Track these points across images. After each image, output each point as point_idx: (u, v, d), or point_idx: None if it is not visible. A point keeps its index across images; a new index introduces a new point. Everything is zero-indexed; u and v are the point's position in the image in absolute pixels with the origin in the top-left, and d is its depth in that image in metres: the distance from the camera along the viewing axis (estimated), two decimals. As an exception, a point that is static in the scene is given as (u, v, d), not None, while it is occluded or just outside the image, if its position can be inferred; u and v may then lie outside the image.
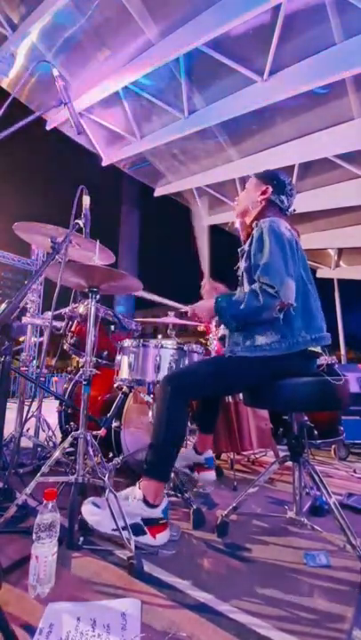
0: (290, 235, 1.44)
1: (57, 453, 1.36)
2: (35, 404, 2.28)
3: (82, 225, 1.49)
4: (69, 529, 1.22)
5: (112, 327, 2.60)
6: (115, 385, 1.96)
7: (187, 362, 1.80)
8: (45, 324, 2.46)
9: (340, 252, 7.84)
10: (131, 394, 2.05)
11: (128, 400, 2.05)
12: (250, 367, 1.41)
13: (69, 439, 1.38)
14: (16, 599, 0.97)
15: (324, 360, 1.51)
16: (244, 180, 5.74)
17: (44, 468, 1.31)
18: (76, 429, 1.39)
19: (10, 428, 1.96)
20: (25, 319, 2.44)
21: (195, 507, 1.53)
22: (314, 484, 1.42)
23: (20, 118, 1.21)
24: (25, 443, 2.17)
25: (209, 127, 4.97)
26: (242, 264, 1.56)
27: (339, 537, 1.25)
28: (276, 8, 3.50)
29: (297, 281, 1.39)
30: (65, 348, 2.39)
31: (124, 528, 1.18)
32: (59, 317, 2.49)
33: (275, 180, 1.61)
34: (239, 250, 1.63)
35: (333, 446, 2.96)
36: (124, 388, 1.98)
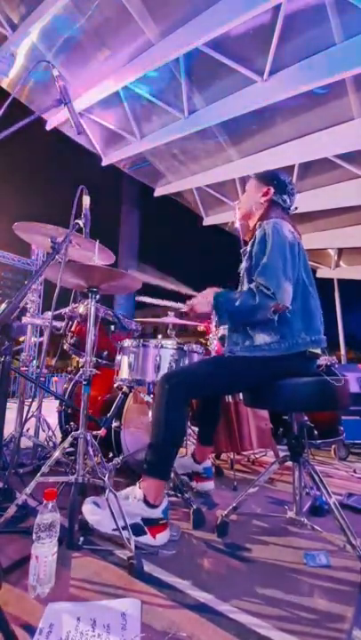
0: (292, 237, 1.44)
1: (57, 453, 1.36)
2: (35, 404, 2.28)
3: (82, 225, 1.49)
4: (69, 529, 1.22)
5: (112, 327, 2.60)
6: (115, 385, 1.96)
7: (187, 362, 1.81)
8: (45, 323, 2.46)
9: (340, 251, 7.83)
10: (131, 394, 2.05)
11: (128, 400, 2.05)
12: (249, 367, 1.42)
13: (69, 439, 1.38)
14: (16, 599, 0.97)
15: (324, 360, 1.51)
16: (244, 180, 5.75)
17: (44, 468, 1.31)
18: (76, 429, 1.39)
19: (10, 428, 1.96)
20: (25, 319, 2.44)
21: (195, 507, 1.53)
22: (314, 483, 1.42)
23: (20, 118, 1.21)
24: (25, 443, 2.17)
25: (209, 127, 4.97)
26: (244, 265, 1.56)
27: (339, 537, 1.25)
28: (276, 8, 3.50)
29: (297, 283, 1.40)
30: (65, 348, 2.39)
31: (124, 528, 1.18)
32: (59, 317, 2.49)
33: (275, 181, 1.61)
34: (241, 250, 1.64)
35: (333, 446, 2.96)
36: (124, 388, 1.98)
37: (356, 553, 1.17)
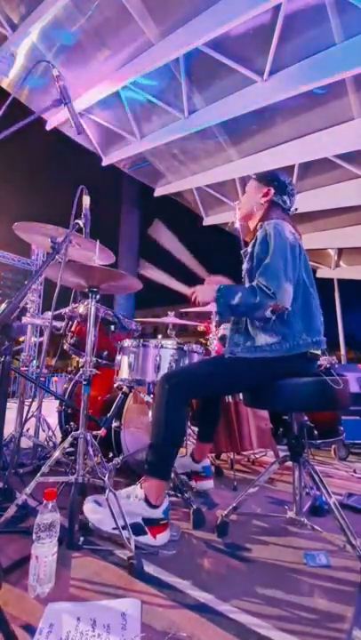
0: (293, 239, 1.44)
1: (57, 453, 1.36)
2: (35, 404, 2.28)
3: (82, 225, 1.49)
4: (69, 529, 1.22)
5: (112, 327, 2.60)
6: (115, 385, 1.97)
7: (187, 362, 1.81)
8: (45, 323, 2.46)
9: (340, 251, 7.83)
10: (131, 394, 2.05)
11: (128, 400, 2.05)
12: (250, 368, 1.42)
13: (69, 439, 1.38)
14: (16, 599, 0.97)
15: (324, 361, 1.51)
16: (244, 180, 5.74)
17: (44, 468, 1.31)
18: (76, 429, 1.39)
19: (10, 428, 1.96)
20: (25, 319, 2.44)
21: (195, 507, 1.53)
22: (314, 483, 1.42)
23: (20, 118, 1.21)
24: (25, 443, 2.17)
25: (209, 127, 4.97)
26: (245, 266, 1.56)
27: (339, 537, 1.25)
28: (276, 8, 3.49)
29: (298, 284, 1.40)
30: (65, 348, 2.40)
31: (124, 527, 1.18)
32: (59, 317, 2.49)
33: (275, 182, 1.61)
34: (242, 252, 1.64)
35: (333, 446, 2.96)
36: (124, 388, 1.98)
37: (357, 553, 1.17)
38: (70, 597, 0.99)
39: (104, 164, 6.20)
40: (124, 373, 1.85)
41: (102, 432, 1.91)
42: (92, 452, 1.35)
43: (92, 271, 1.48)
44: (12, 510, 1.24)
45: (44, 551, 1.00)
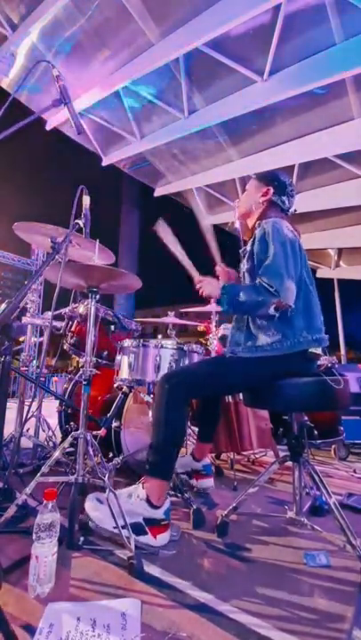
0: (292, 235, 1.45)
1: (57, 453, 1.36)
2: (35, 404, 2.28)
3: (82, 225, 1.49)
4: (69, 529, 1.22)
5: (112, 327, 2.60)
6: (115, 385, 1.96)
7: (187, 362, 1.81)
8: (45, 323, 2.46)
9: (340, 251, 7.83)
10: (131, 394, 2.05)
11: (128, 400, 2.05)
12: (250, 368, 1.42)
13: (69, 439, 1.38)
14: (16, 599, 0.97)
15: (325, 361, 1.51)
16: (244, 180, 5.74)
17: (44, 468, 1.31)
18: (76, 429, 1.39)
19: (10, 428, 1.96)
20: (25, 319, 2.44)
21: (195, 507, 1.53)
22: (314, 483, 1.42)
23: (19, 118, 1.21)
24: (25, 443, 2.17)
25: (209, 127, 4.97)
26: (244, 265, 1.56)
27: (339, 537, 1.25)
28: (276, 8, 3.49)
29: (299, 281, 1.40)
30: (65, 347, 2.40)
31: (124, 527, 1.18)
32: (59, 317, 2.49)
33: (276, 182, 1.61)
34: (241, 251, 1.64)
35: (333, 446, 2.96)
36: (124, 388, 1.98)
37: (357, 553, 1.17)
38: (70, 597, 0.99)
39: (104, 164, 6.20)
40: (124, 373, 1.85)
41: (102, 432, 1.91)
42: (92, 452, 1.35)
43: (91, 271, 1.48)
44: (11, 510, 1.24)
45: (44, 551, 1.00)
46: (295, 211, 1.68)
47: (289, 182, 1.64)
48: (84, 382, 1.43)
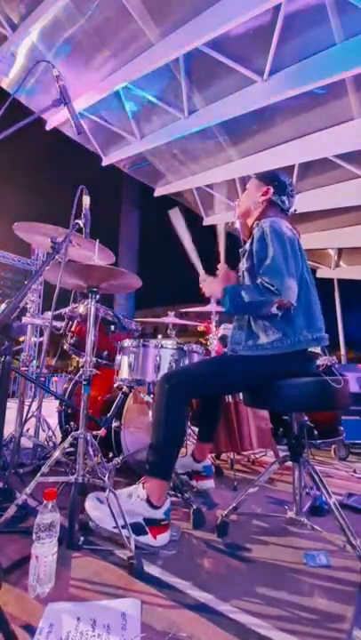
0: (291, 234, 1.45)
1: (57, 453, 1.36)
2: (35, 404, 2.28)
3: (82, 225, 1.49)
4: (69, 529, 1.22)
5: (112, 327, 2.60)
6: (115, 385, 1.96)
7: (187, 362, 1.81)
8: (45, 323, 2.46)
9: (340, 251, 7.83)
10: (131, 394, 2.05)
11: (128, 400, 2.05)
12: (250, 366, 1.42)
13: (69, 439, 1.38)
14: (16, 599, 0.97)
15: (324, 360, 1.51)
16: (244, 180, 5.74)
17: (44, 468, 1.31)
18: (76, 429, 1.39)
19: (10, 428, 1.96)
20: (25, 319, 2.44)
21: (195, 507, 1.53)
22: (314, 483, 1.42)
23: (19, 118, 1.21)
24: (25, 443, 2.17)
25: (209, 127, 4.97)
26: (243, 264, 1.56)
27: (339, 537, 1.25)
28: (276, 8, 3.49)
29: (300, 280, 1.40)
30: (65, 347, 2.40)
31: (124, 527, 1.18)
32: (59, 317, 2.49)
33: (276, 181, 1.61)
34: (240, 250, 1.64)
35: (333, 446, 2.96)
36: (124, 388, 1.98)
37: (357, 553, 1.17)
38: (70, 597, 0.99)
39: (104, 164, 6.20)
40: (124, 373, 1.85)
41: (102, 432, 1.90)
42: (92, 452, 1.35)
43: (91, 271, 1.48)
44: (11, 510, 1.24)
45: (44, 551, 1.00)
46: (295, 211, 1.68)
47: (289, 182, 1.64)
48: (84, 382, 1.43)
